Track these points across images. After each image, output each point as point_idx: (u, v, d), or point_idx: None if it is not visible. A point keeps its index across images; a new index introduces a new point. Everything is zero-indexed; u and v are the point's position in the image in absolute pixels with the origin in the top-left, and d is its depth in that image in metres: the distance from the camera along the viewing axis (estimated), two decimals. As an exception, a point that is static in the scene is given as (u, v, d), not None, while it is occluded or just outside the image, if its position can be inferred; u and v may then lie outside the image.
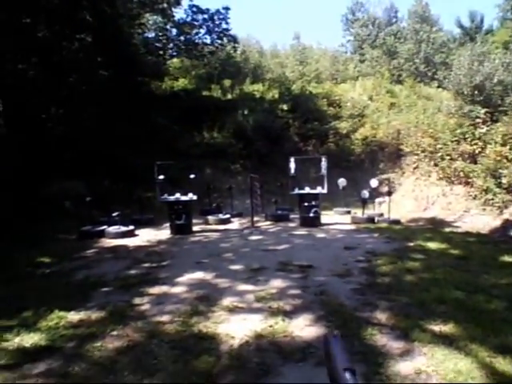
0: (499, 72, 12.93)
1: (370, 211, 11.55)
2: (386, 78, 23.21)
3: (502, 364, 3.21)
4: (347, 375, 0.45)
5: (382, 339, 3.62)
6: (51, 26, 13.62)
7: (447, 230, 9.98)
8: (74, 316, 4.26)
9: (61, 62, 13.84)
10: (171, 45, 20.84)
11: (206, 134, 16.77)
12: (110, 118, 13.77)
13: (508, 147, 10.75)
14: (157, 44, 20.20)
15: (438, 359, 3.27)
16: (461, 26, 33.25)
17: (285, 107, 18.81)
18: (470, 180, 11.69)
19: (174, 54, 21.42)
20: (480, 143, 11.94)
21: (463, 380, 2.98)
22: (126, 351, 3.49)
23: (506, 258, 6.79)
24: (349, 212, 11.96)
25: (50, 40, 13.59)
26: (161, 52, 20.26)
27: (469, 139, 12.37)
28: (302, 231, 9.40)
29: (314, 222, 9.92)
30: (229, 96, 19.93)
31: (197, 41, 20.50)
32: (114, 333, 3.84)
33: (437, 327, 3.87)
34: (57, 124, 14.16)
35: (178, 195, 9.37)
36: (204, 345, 3.59)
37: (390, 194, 11.07)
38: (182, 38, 20.46)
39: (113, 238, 8.64)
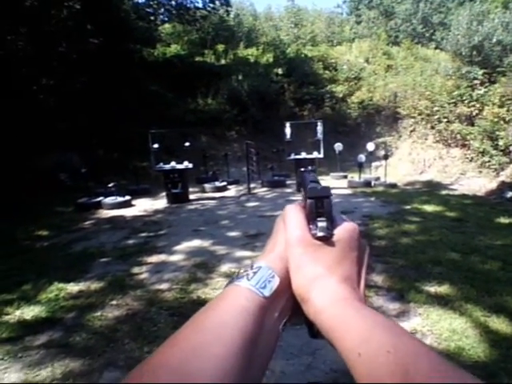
0: (498, 32, 12.68)
1: (366, 175, 11.54)
2: (383, 39, 22.71)
3: (496, 323, 3.27)
4: (312, 184, 0.50)
5: (378, 301, 3.67)
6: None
7: (443, 192, 10.04)
8: (73, 287, 4.30)
9: (50, 31, 13.43)
10: (162, 10, 20.21)
11: (201, 100, 16.51)
12: (102, 88, 13.50)
13: (505, 109, 10.67)
14: (147, 9, 19.55)
15: (433, 319, 3.33)
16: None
17: (280, 71, 18.46)
18: (466, 142, 11.67)
19: (166, 19, 20.83)
20: (477, 105, 11.87)
21: (458, 339, 3.04)
22: (126, 320, 3.54)
23: (502, 220, 6.85)
24: (345, 176, 11.97)
25: (37, 9, 13.13)
26: (152, 17, 19.65)
27: (466, 101, 12.27)
28: (299, 196, 9.30)
29: (311, 187, 9.90)
30: (222, 61, 19.50)
31: (188, 5, 19.84)
32: (114, 302, 3.88)
33: (432, 288, 3.92)
34: (48, 95, 13.88)
35: (173, 164, 9.31)
36: (203, 311, 3.64)
37: (386, 157, 11.02)
38: (174, 2, 19.79)
39: (109, 208, 8.63)
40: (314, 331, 0.46)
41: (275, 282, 0.45)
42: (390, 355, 0.35)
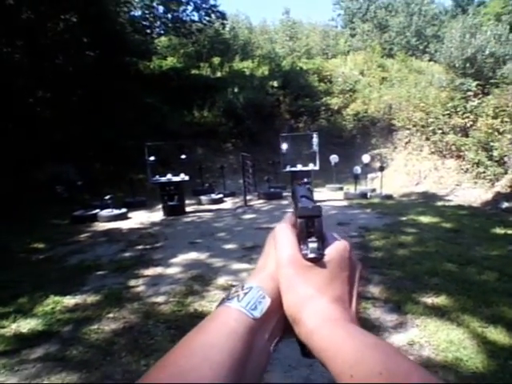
0: (491, 44, 12.85)
1: (362, 187, 11.60)
2: (377, 52, 22.92)
3: (493, 333, 3.28)
4: (303, 199, 0.51)
5: (375, 312, 3.68)
6: (35, 7, 13.25)
7: (439, 203, 10.07)
8: (69, 300, 4.28)
9: (46, 43, 13.52)
10: (158, 23, 20.45)
11: (196, 113, 16.59)
12: (98, 100, 13.56)
13: (499, 120, 10.75)
14: (143, 22, 19.78)
15: (431, 330, 3.34)
16: (453, -2, 32.80)
17: (275, 84, 18.61)
18: (461, 153, 11.71)
19: (162, 32, 21.03)
20: (471, 116, 11.93)
21: (455, 350, 3.05)
22: (123, 333, 3.52)
23: (498, 230, 6.88)
24: (341, 188, 12.01)
25: (34, 22, 13.23)
26: (148, 30, 19.87)
27: (460, 112, 12.34)
28: (295, 208, 9.42)
29: (307, 199, 9.92)
30: (218, 74, 19.66)
31: (184, 18, 20.13)
32: (110, 315, 3.87)
33: (429, 299, 3.93)
34: (45, 107, 13.92)
35: (169, 176, 9.33)
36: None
37: (382, 169, 11.09)
38: (169, 15, 20.05)
39: (105, 221, 8.61)
40: (305, 351, 0.46)
41: (266, 303, 0.45)
42: (381, 377, 0.35)
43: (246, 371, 0.39)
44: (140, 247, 6.39)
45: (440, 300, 3.92)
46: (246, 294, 0.45)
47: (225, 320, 0.42)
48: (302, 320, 0.44)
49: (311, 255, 0.47)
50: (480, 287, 4.23)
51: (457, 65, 13.29)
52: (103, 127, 12.68)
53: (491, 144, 10.46)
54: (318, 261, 0.47)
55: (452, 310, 3.71)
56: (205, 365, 0.37)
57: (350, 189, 11.32)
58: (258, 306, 0.44)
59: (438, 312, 3.67)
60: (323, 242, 0.49)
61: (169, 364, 0.38)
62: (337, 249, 0.49)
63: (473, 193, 10.55)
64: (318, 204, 0.49)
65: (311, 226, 0.48)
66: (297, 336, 0.46)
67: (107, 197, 8.94)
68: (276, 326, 0.46)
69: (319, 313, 0.44)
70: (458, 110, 12.39)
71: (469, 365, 2.88)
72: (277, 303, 0.46)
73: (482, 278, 4.52)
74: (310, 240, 0.48)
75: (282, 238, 0.50)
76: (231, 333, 0.40)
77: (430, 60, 21.10)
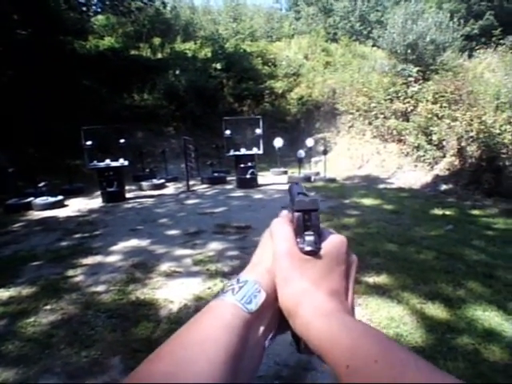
0: (432, 31, 13.23)
1: (306, 170, 11.82)
2: (322, 36, 23.13)
3: (432, 309, 3.52)
4: (300, 195, 0.51)
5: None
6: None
7: (381, 186, 10.44)
8: (3, 293, 4.09)
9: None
10: (95, 0, 19.39)
11: (136, 95, 16.08)
12: (30, 82, 12.74)
13: (438, 105, 11.16)
14: (79, -1, 18.66)
15: (372, 308, 3.52)
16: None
17: (218, 66, 18.37)
18: (402, 138, 12.09)
19: (99, 10, 19.94)
20: (412, 101, 12.30)
21: (395, 326, 3.24)
22: (61, 324, 3.43)
23: (436, 212, 7.31)
24: (285, 172, 12.16)
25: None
26: (84, 8, 18.74)
27: (401, 97, 12.71)
28: (239, 193, 9.49)
29: (251, 184, 10.02)
30: (159, 55, 19.10)
31: (123, -5, 19.17)
32: (48, 307, 3.75)
33: (371, 279, 4.14)
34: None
35: (108, 161, 9.04)
36: (142, 311, 3.61)
37: (325, 152, 11.33)
38: (107, -8, 19.04)
39: (41, 209, 8.22)
40: (301, 346, 0.47)
41: (261, 297, 0.45)
42: (377, 365, 0.35)
43: (241, 365, 0.39)
44: (78, 236, 6.18)
45: (381, 279, 4.13)
46: (241, 287, 0.45)
47: (220, 313, 0.42)
48: (298, 313, 0.45)
49: (308, 248, 0.47)
50: (419, 266, 4.50)
51: (399, 51, 13.62)
52: (37, 111, 11.96)
53: (430, 128, 10.85)
54: (314, 254, 0.47)
55: (392, 288, 3.92)
56: (201, 357, 0.37)
57: (294, 172, 11.48)
58: (253, 300, 0.44)
59: (380, 290, 3.86)
60: (320, 236, 0.49)
61: (164, 356, 0.38)
62: (333, 243, 0.49)
63: (413, 176, 10.97)
64: (315, 198, 0.50)
65: (308, 220, 0.48)
66: (292, 330, 0.46)
67: (42, 184, 8.54)
68: (271, 321, 0.46)
69: (315, 305, 0.44)
70: (400, 95, 12.76)
71: (409, 340, 3.07)
72: (272, 297, 0.47)
73: (421, 257, 4.81)
74: (306, 233, 0.48)
75: (279, 231, 0.51)
76: (227, 326, 0.41)
77: (373, 45, 21.43)
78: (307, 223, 0.49)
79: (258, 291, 0.45)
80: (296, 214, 0.49)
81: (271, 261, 0.49)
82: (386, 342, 0.39)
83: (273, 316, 0.47)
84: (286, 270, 0.47)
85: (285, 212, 0.57)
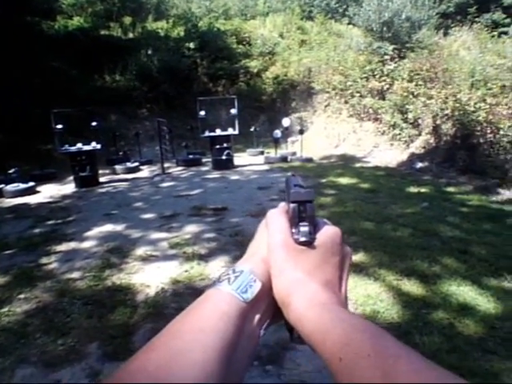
0: (407, 8, 13.14)
1: (282, 151, 11.79)
2: (297, 14, 22.80)
3: (407, 285, 3.62)
4: (296, 187, 0.51)
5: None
6: None
7: (357, 165, 10.51)
8: (-27, 284, 4.00)
9: None
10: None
11: (108, 77, 15.63)
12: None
13: (414, 83, 11.21)
14: (45, -23, 17.85)
15: (350, 286, 3.52)
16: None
17: (192, 46, 17.97)
18: (378, 116, 12.10)
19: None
20: (388, 79, 12.27)
21: (373, 303, 3.31)
22: (36, 313, 3.40)
23: (412, 189, 7.45)
24: (262, 152, 12.10)
25: None
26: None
27: (377, 76, 12.67)
28: (215, 174, 9.44)
29: (227, 165, 9.96)
30: (130, 35, 18.54)
31: (91, -28, 18.48)
32: (22, 296, 3.70)
33: (348, 257, 4.19)
34: None
35: (79, 145, 8.81)
36: (119, 297, 3.59)
37: (302, 132, 11.29)
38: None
39: (11, 196, 8.00)
40: (294, 336, 0.47)
41: (256, 287, 0.45)
42: (370, 359, 0.35)
43: (236, 354, 0.39)
44: (51, 222, 6.06)
45: (358, 257, 4.19)
46: (236, 277, 0.45)
47: (215, 303, 0.42)
48: (291, 303, 0.45)
49: (302, 239, 0.47)
50: (395, 243, 4.59)
51: (374, 28, 13.51)
52: (4, 94, 11.50)
53: (406, 107, 10.90)
54: (309, 244, 0.47)
55: (369, 266, 4.00)
56: (197, 347, 0.36)
57: (271, 153, 11.45)
58: (249, 290, 0.44)
59: (357, 268, 3.92)
60: (315, 227, 0.49)
61: (159, 346, 0.38)
62: (328, 234, 0.50)
63: (389, 154, 11.06)
64: (310, 190, 0.50)
65: (303, 211, 0.49)
66: (286, 320, 0.46)
67: (12, 170, 8.29)
68: (266, 310, 0.47)
69: (308, 296, 0.44)
70: (376, 73, 12.72)
71: (385, 316, 3.15)
72: (267, 287, 0.47)
73: (397, 235, 4.91)
74: (301, 224, 0.48)
75: (274, 222, 0.51)
76: (223, 315, 0.41)
77: (349, 23, 21.13)
78: (302, 214, 0.49)
79: (254, 281, 0.46)
80: (291, 205, 0.49)
81: (267, 251, 0.49)
82: (379, 334, 0.39)
83: (268, 305, 0.47)
84: (281, 260, 0.47)
85: (282, 204, 0.56)
